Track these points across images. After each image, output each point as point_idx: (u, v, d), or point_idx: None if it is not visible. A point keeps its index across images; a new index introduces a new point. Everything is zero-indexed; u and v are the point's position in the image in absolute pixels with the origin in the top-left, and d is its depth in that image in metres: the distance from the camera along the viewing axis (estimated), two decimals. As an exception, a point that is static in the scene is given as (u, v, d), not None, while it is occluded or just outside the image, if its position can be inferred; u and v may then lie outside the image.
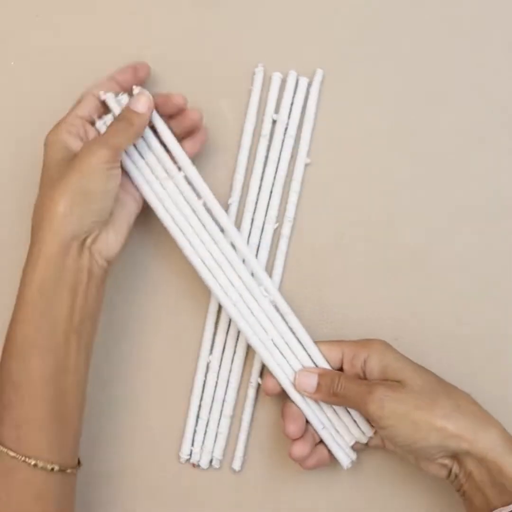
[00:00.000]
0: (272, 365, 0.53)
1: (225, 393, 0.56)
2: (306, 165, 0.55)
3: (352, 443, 0.53)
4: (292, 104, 0.55)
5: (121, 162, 0.50)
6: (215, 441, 0.56)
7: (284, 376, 0.53)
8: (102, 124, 0.52)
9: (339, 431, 0.53)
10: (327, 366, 0.53)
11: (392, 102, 0.56)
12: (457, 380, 0.51)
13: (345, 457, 0.53)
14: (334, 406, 0.52)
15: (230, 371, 0.56)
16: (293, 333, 0.53)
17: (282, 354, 0.53)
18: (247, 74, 0.56)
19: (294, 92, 0.55)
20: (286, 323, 0.53)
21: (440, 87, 0.56)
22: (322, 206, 0.56)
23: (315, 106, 0.56)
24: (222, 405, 0.56)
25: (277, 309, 0.53)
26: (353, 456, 0.53)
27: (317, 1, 0.57)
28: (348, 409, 0.52)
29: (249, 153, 0.56)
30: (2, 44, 0.58)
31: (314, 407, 0.52)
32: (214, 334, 0.56)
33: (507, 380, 0.56)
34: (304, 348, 0.53)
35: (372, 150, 0.56)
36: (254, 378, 0.55)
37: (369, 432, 0.52)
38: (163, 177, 0.52)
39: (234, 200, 0.55)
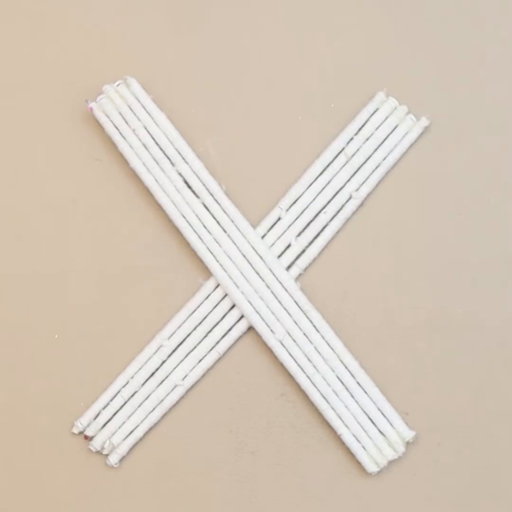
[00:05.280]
0: (289, 363, 0.49)
1: (156, 387, 0.50)
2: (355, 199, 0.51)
3: (390, 457, 0.49)
4: (388, 135, 0.52)
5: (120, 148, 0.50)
6: (120, 427, 0.50)
7: (304, 377, 0.49)
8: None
9: (376, 442, 0.49)
10: (357, 365, 0.49)
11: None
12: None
13: (370, 462, 0.49)
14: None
15: (174, 367, 0.50)
16: (318, 331, 0.50)
17: (303, 351, 0.49)
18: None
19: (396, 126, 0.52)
20: (310, 320, 0.50)
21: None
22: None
23: (405, 148, 0.52)
24: (146, 397, 0.50)
25: (298, 306, 0.50)
26: (383, 462, 0.49)
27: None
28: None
29: (323, 167, 0.51)
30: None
31: (340, 411, 0.49)
32: (187, 317, 0.50)
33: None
34: (330, 346, 0.49)
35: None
36: (189, 378, 0.50)
37: (409, 434, 0.49)
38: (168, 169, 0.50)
39: (283, 205, 0.51)
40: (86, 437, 0.50)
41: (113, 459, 0.49)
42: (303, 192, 0.50)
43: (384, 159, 0.51)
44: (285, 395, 0.50)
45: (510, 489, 0.49)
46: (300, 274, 0.50)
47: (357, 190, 0.50)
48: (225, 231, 0.49)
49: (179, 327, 0.50)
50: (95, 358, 0.51)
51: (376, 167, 0.51)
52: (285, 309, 0.49)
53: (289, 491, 0.49)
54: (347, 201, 0.50)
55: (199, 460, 0.49)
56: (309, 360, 0.49)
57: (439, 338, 0.50)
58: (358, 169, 0.51)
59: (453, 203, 0.51)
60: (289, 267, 0.50)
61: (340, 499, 0.49)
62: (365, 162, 0.51)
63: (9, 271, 0.51)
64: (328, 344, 0.49)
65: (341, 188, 0.50)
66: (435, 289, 0.51)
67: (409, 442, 0.49)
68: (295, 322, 0.49)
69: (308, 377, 0.49)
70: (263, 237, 0.50)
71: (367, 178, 0.51)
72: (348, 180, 0.51)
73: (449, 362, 0.50)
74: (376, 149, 0.51)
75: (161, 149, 0.50)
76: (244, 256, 0.49)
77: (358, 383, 0.49)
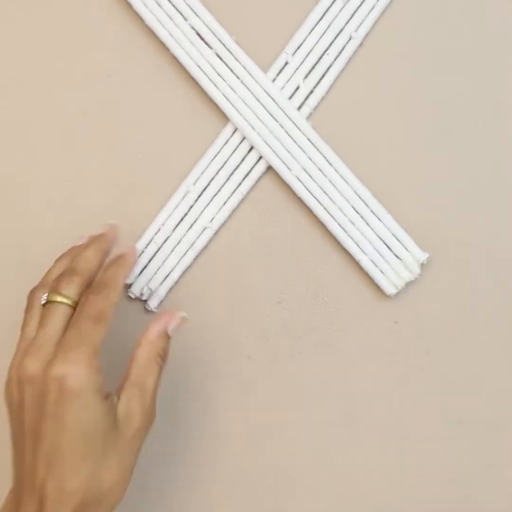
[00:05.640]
0: (306, 198, 0.52)
1: (186, 231, 0.52)
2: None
3: (407, 279, 0.51)
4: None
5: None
6: (156, 273, 0.52)
7: (322, 209, 0.52)
8: None
9: (393, 266, 0.51)
10: (369, 194, 0.51)
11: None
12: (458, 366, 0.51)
13: (389, 284, 0.51)
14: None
15: (201, 211, 0.52)
16: (331, 164, 0.52)
17: (318, 185, 0.52)
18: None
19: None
20: (323, 155, 0.52)
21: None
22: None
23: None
24: (178, 242, 0.52)
25: (311, 142, 0.52)
26: (400, 284, 0.51)
27: None
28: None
29: (323, 12, 0.53)
30: None
31: (357, 239, 0.51)
32: (209, 163, 0.52)
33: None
34: (343, 178, 0.52)
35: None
36: (216, 220, 0.52)
37: (423, 256, 0.51)
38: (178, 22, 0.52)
39: (289, 50, 0.52)
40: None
41: (152, 303, 0.52)
42: (306, 37, 0.52)
43: (378, 0, 0.53)
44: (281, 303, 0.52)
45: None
46: (310, 114, 0.52)
47: (356, 31, 0.53)
48: (238, 78, 0.51)
49: (202, 173, 0.52)
50: (126, 210, 0.53)
51: (372, 9, 0.53)
52: (299, 146, 0.51)
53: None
54: (347, 42, 0.53)
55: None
56: (325, 192, 0.51)
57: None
58: (355, 11, 0.53)
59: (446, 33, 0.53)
60: (300, 107, 0.52)
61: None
62: (361, 4, 0.53)
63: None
64: (341, 177, 0.51)
65: (341, 30, 0.52)
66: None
67: (423, 264, 0.51)
68: (309, 158, 0.51)
69: (325, 209, 0.51)
70: (273, 81, 0.52)
71: (364, 19, 0.53)
72: (347, 22, 0.52)
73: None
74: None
75: (173, 5, 0.52)
76: (257, 100, 0.51)
77: (372, 211, 0.51)
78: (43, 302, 0.43)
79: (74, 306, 0.43)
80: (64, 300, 0.43)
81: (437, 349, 0.52)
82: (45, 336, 0.42)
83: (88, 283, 0.45)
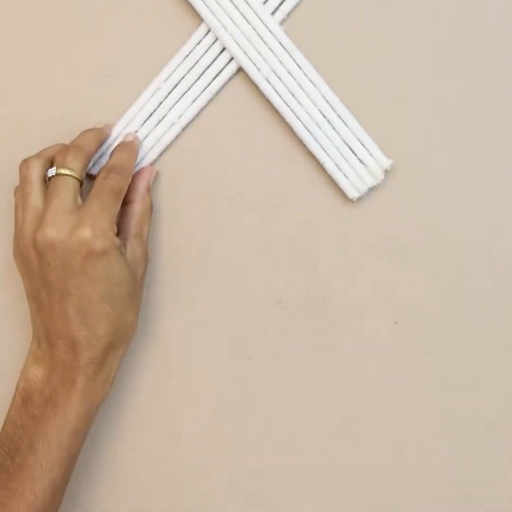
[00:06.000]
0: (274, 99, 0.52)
1: (154, 127, 0.53)
2: None
3: (370, 184, 0.51)
4: None
5: None
6: None
7: (289, 111, 0.52)
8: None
9: (357, 170, 0.51)
10: (338, 100, 0.52)
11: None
12: (458, 366, 0.51)
13: (351, 188, 0.52)
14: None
15: (170, 108, 0.53)
16: (301, 68, 0.52)
17: (287, 87, 0.52)
18: None
19: None
20: (293, 59, 0.52)
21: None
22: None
23: None
24: (146, 136, 0.53)
25: (283, 46, 0.52)
26: (363, 188, 0.51)
27: None
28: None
29: None
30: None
31: (322, 142, 0.51)
32: (181, 61, 0.53)
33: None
34: (312, 83, 0.52)
35: None
36: (184, 117, 0.53)
37: (387, 162, 0.51)
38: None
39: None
40: (91, 176, 0.51)
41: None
42: None
43: None
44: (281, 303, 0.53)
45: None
46: (284, 19, 0.53)
47: None
48: (214, -20, 0.52)
49: (174, 70, 0.53)
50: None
51: None
52: (270, 49, 0.52)
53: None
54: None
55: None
56: (293, 95, 0.52)
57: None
58: None
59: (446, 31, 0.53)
60: (273, 13, 0.53)
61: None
62: None
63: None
64: (310, 81, 0.52)
65: None
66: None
67: (387, 170, 0.51)
68: (280, 61, 0.52)
69: (292, 111, 0.52)
70: (249, -15, 0.53)
71: None
72: None
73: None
74: None
75: None
76: (232, 2, 0.52)
77: (338, 116, 0.52)
78: (51, 175, 0.47)
79: (80, 180, 0.47)
80: (73, 174, 0.47)
81: (437, 349, 0.52)
82: (60, 205, 0.45)
83: (89, 161, 0.49)
